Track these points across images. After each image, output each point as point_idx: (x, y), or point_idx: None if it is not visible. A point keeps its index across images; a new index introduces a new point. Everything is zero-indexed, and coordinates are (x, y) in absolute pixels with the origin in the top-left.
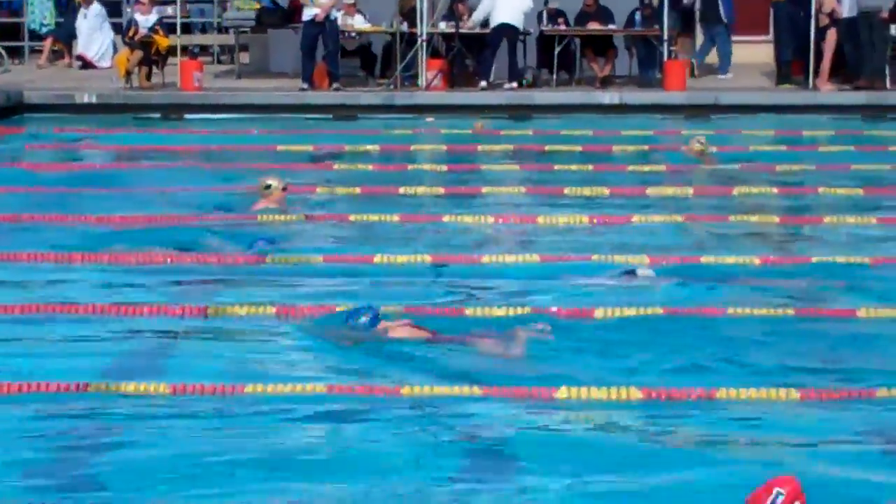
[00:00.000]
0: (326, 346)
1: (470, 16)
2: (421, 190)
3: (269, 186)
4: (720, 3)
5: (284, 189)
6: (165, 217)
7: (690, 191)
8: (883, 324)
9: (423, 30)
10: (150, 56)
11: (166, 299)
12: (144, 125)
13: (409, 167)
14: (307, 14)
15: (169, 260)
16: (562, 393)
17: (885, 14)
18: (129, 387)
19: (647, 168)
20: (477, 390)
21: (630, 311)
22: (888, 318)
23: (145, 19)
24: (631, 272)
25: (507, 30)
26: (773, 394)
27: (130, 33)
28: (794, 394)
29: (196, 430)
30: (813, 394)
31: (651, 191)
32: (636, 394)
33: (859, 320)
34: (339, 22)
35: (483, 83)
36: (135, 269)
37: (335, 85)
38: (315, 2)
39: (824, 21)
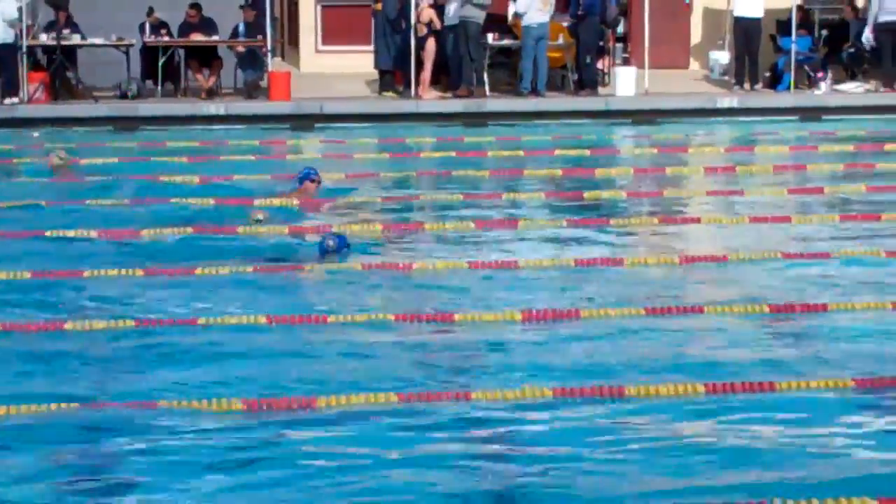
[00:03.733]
0: None
1: (70, 28)
2: (22, 204)
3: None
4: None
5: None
6: None
7: (296, 202)
8: (478, 327)
9: (23, 42)
10: None
11: None
12: None
13: (11, 181)
14: None
15: None
16: None
17: (482, 23)
18: None
19: (254, 178)
20: None
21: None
22: (484, 322)
23: None
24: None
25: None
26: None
27: None
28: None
29: None
30: (412, 396)
31: (258, 202)
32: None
33: (457, 324)
34: None
35: None
36: None
37: None
38: None
39: (423, 30)
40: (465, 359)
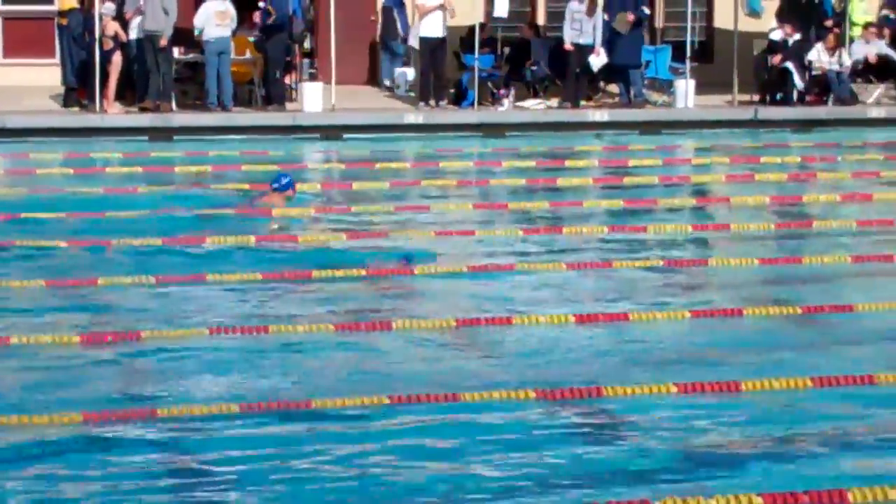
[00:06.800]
0: None
1: None
2: None
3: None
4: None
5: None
6: None
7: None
8: (165, 344)
9: None
10: None
11: None
12: None
13: None
14: None
15: None
16: None
17: (165, 39)
18: None
19: None
20: None
21: None
22: (171, 338)
23: None
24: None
25: None
26: None
27: None
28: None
29: None
30: (97, 415)
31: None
32: None
33: (143, 341)
34: None
35: None
36: None
37: None
38: None
39: (108, 44)
40: (152, 375)
